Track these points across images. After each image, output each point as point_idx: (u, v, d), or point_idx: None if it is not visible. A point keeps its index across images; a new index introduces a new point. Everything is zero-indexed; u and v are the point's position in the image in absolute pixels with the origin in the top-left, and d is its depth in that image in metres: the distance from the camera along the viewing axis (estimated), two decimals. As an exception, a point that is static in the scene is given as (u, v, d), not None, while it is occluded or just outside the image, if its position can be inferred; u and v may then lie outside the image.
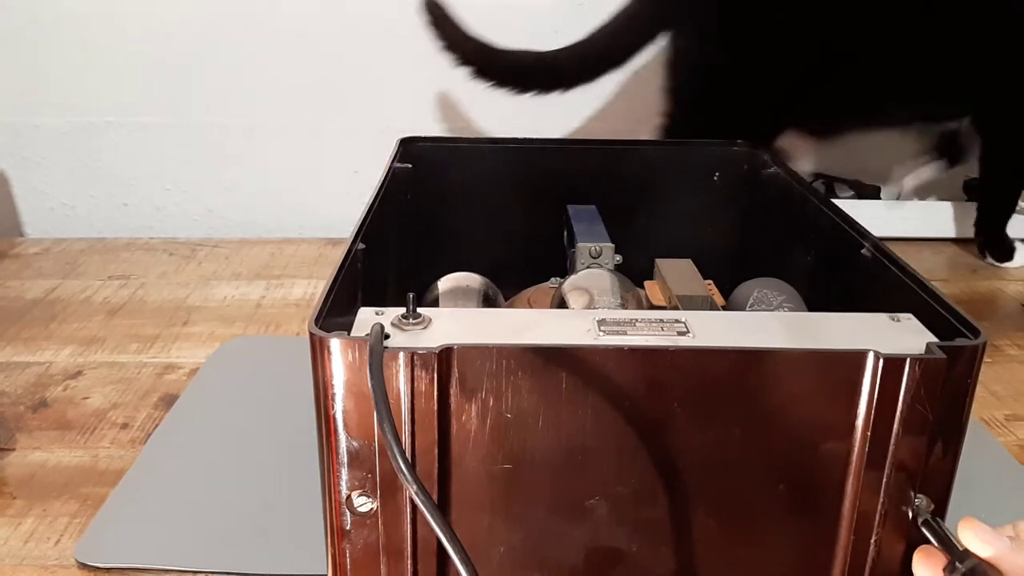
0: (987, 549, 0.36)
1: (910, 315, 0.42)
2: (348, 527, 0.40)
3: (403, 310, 0.41)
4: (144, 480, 0.61)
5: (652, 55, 1.10)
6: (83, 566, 0.53)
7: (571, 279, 0.58)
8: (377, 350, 0.36)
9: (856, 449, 0.39)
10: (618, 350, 0.38)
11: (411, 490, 0.34)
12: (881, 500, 0.39)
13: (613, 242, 0.65)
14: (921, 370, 0.37)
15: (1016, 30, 0.91)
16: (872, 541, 0.40)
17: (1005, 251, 1.03)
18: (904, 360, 0.37)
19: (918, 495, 0.39)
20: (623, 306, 0.54)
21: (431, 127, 1.07)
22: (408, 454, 0.38)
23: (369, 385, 0.36)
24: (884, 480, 0.39)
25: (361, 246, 0.51)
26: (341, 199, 1.14)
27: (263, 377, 0.75)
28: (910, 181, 1.15)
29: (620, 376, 0.38)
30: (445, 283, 0.60)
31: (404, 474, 0.34)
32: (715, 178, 0.75)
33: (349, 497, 0.39)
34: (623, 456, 0.40)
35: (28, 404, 0.71)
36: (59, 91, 1.09)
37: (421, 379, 0.37)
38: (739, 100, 0.88)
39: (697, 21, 0.90)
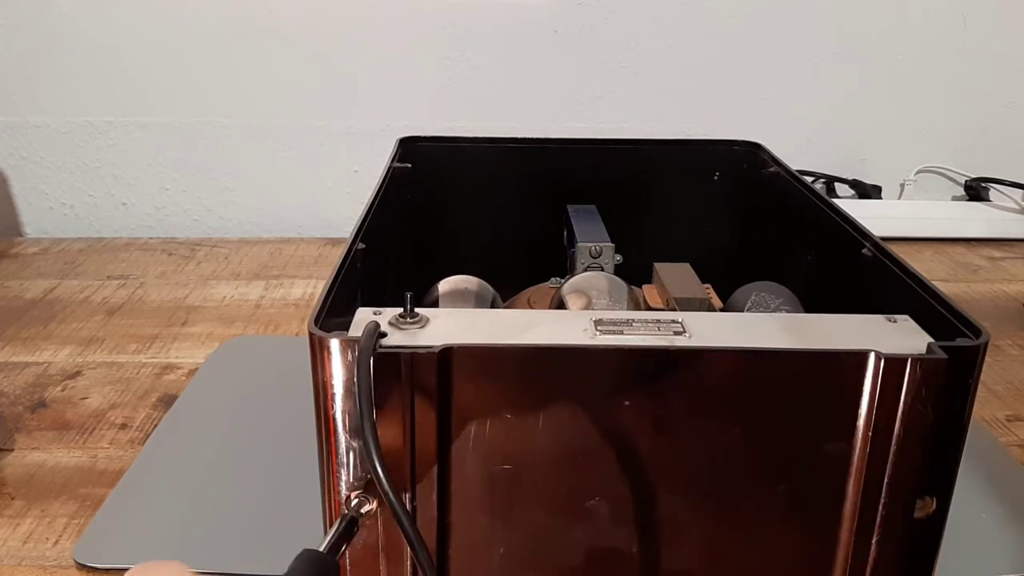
0: None
1: (907, 316, 0.42)
2: (347, 528, 0.40)
3: (401, 310, 0.41)
4: (143, 481, 0.61)
5: (653, 56, 1.10)
6: (82, 567, 0.53)
7: (569, 282, 0.58)
8: (366, 347, 0.36)
9: (857, 450, 0.39)
10: (618, 350, 0.38)
11: (381, 490, 0.35)
12: (882, 501, 0.39)
13: (613, 242, 0.65)
14: (922, 370, 0.37)
15: None
16: (873, 542, 0.40)
17: None
18: (905, 360, 0.37)
19: (919, 496, 0.39)
20: (621, 308, 0.54)
21: (431, 127, 1.07)
22: (408, 454, 0.38)
23: (354, 381, 0.36)
24: (885, 481, 0.39)
25: (361, 246, 0.50)
26: (341, 199, 1.14)
27: (262, 377, 0.75)
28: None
29: (620, 376, 0.38)
30: (444, 286, 0.59)
31: (377, 472, 0.35)
32: (715, 177, 0.75)
33: (348, 497, 0.39)
34: (623, 456, 0.40)
35: (27, 404, 0.71)
36: (59, 91, 1.09)
37: (421, 379, 0.37)
38: None
39: None
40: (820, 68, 1.12)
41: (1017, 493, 0.61)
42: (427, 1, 1.07)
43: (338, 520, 0.38)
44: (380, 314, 0.41)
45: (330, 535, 0.37)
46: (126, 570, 0.32)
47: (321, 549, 0.36)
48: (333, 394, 0.38)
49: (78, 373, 0.76)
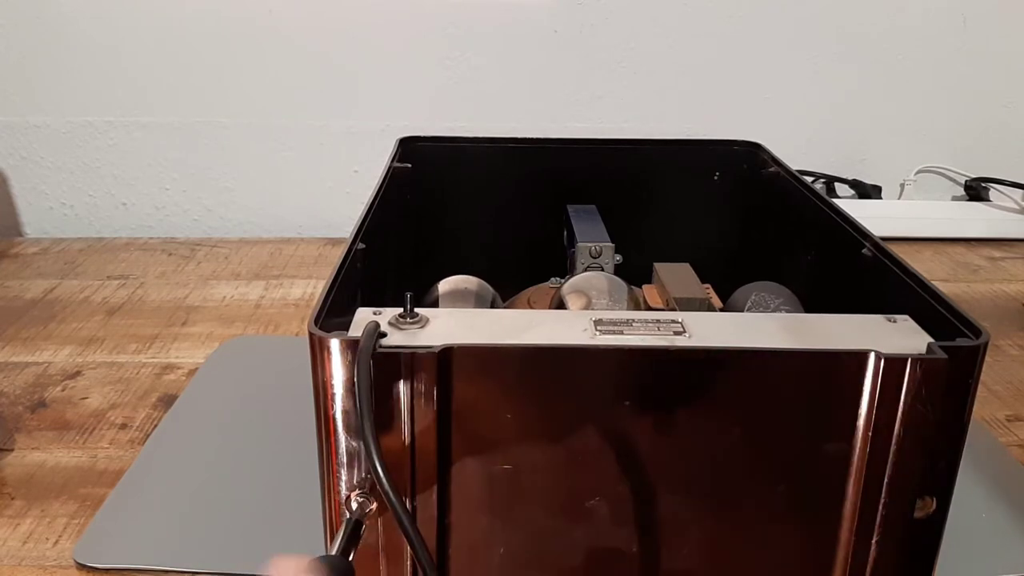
0: None
1: (907, 316, 0.42)
2: (347, 528, 0.40)
3: (401, 310, 0.41)
4: (143, 481, 0.61)
5: (653, 56, 1.10)
6: (82, 567, 0.53)
7: (569, 282, 0.58)
8: (366, 347, 0.36)
9: (857, 450, 0.39)
10: (618, 350, 0.38)
11: (381, 490, 0.35)
12: (882, 501, 0.39)
13: (613, 242, 0.65)
14: (922, 370, 0.37)
15: None
16: (873, 542, 0.40)
17: None
18: (905, 360, 0.37)
19: (919, 496, 0.39)
20: (621, 308, 0.54)
21: (431, 127, 1.07)
22: (408, 454, 0.38)
23: (355, 381, 0.36)
24: (885, 481, 0.39)
25: (361, 246, 0.50)
26: (341, 199, 1.14)
27: (262, 377, 0.75)
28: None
29: (620, 376, 0.38)
30: (444, 286, 0.59)
31: (377, 472, 0.35)
32: (715, 177, 0.75)
33: (348, 497, 0.39)
34: (623, 456, 0.40)
35: (27, 404, 0.71)
36: (59, 91, 1.09)
37: (421, 379, 0.37)
38: None
39: None
40: (820, 68, 1.12)
41: (1017, 493, 0.61)
42: (427, 1, 1.07)
43: (344, 524, 0.38)
44: (380, 314, 0.41)
45: (339, 540, 0.37)
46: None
47: (334, 555, 0.36)
48: (333, 394, 0.38)
49: (78, 373, 0.76)
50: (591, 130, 1.11)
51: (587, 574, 0.42)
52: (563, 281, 0.59)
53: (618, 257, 0.66)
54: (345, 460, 0.39)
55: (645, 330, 0.40)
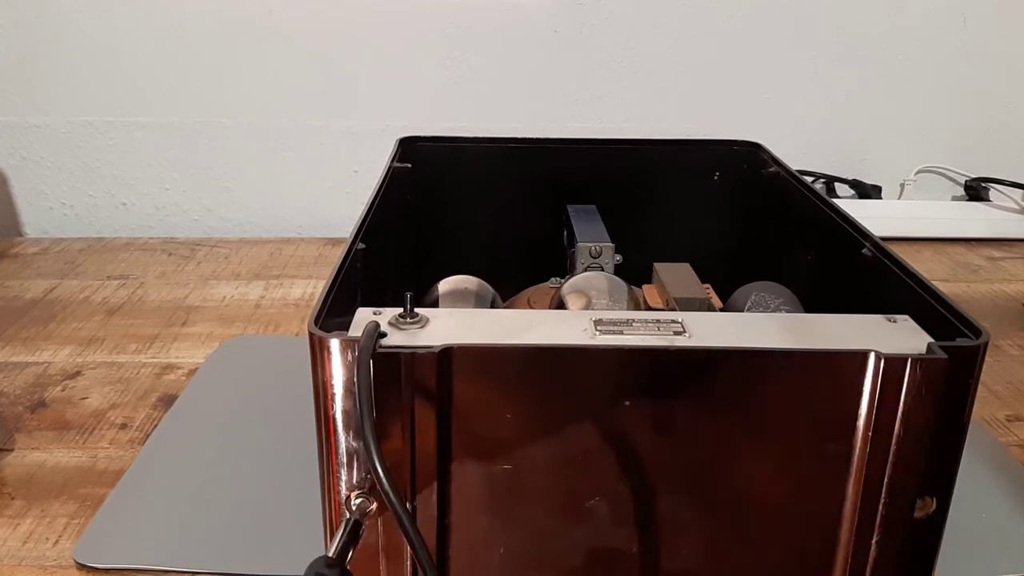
0: None
1: (907, 316, 0.42)
2: (347, 528, 0.40)
3: (401, 310, 0.41)
4: (143, 481, 0.61)
5: (653, 56, 1.10)
6: (82, 567, 0.53)
7: (569, 282, 0.58)
8: (366, 347, 0.36)
9: (857, 450, 0.39)
10: (618, 350, 0.38)
11: (381, 490, 0.35)
12: (882, 501, 0.39)
13: (613, 242, 0.65)
14: (922, 370, 0.37)
15: None
16: (873, 542, 0.40)
17: None
18: (905, 360, 0.37)
19: (919, 496, 0.39)
20: (621, 308, 0.54)
21: (431, 127, 1.07)
22: (408, 454, 0.38)
23: (355, 381, 0.36)
24: (885, 481, 0.39)
25: (361, 246, 0.50)
26: (341, 199, 1.14)
27: (262, 377, 0.75)
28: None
29: (620, 376, 0.38)
30: (444, 286, 0.59)
31: (377, 472, 0.35)
32: (715, 177, 0.75)
33: (348, 497, 0.39)
34: (623, 456, 0.40)
35: (27, 404, 0.71)
36: (59, 91, 1.09)
37: (421, 379, 0.37)
38: None
39: None
40: (820, 68, 1.12)
41: (1017, 493, 0.61)
42: (427, 1, 1.07)
43: (343, 524, 0.38)
44: (380, 314, 0.41)
45: (337, 541, 0.37)
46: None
47: (330, 555, 0.36)
48: (333, 394, 0.38)
49: (78, 373, 0.76)
50: (591, 130, 1.11)
51: (587, 574, 0.42)
52: (563, 281, 0.59)
53: (618, 257, 0.66)
54: (345, 460, 0.39)
55: (645, 330, 0.40)
